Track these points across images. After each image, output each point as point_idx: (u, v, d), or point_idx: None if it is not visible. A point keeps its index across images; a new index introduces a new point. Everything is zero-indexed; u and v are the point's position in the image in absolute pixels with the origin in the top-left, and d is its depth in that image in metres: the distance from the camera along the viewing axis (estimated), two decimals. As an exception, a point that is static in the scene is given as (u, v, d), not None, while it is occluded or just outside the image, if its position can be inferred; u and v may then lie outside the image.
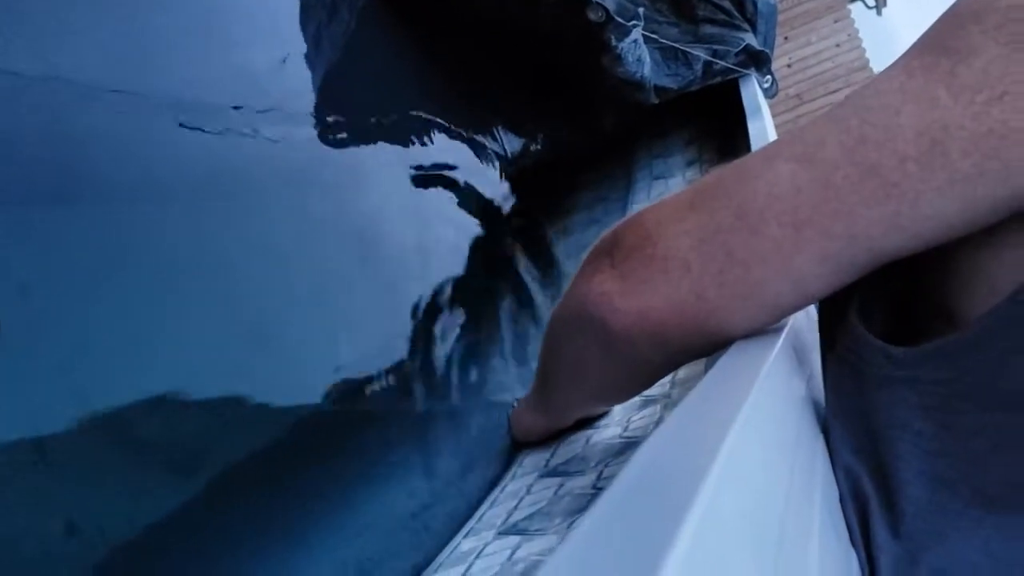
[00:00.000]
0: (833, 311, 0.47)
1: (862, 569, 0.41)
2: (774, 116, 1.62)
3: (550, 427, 0.73)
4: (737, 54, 1.55)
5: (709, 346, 0.47)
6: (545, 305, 1.01)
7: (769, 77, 1.71)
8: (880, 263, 0.40)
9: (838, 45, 4.94)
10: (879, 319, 0.44)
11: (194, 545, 0.54)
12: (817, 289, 0.42)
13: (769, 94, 1.71)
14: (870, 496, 0.41)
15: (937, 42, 0.38)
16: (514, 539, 0.53)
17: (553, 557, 0.17)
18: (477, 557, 0.53)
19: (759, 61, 1.60)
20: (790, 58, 4.89)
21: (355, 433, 0.69)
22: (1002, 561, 0.37)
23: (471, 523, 0.62)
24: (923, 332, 0.42)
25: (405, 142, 1.00)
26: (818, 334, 0.50)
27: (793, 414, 0.40)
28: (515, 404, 0.77)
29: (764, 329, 0.45)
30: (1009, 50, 0.36)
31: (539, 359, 0.66)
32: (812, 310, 0.62)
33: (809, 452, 0.40)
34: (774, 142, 0.45)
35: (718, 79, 1.54)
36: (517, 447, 0.75)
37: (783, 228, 0.40)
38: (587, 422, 0.73)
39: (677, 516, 0.18)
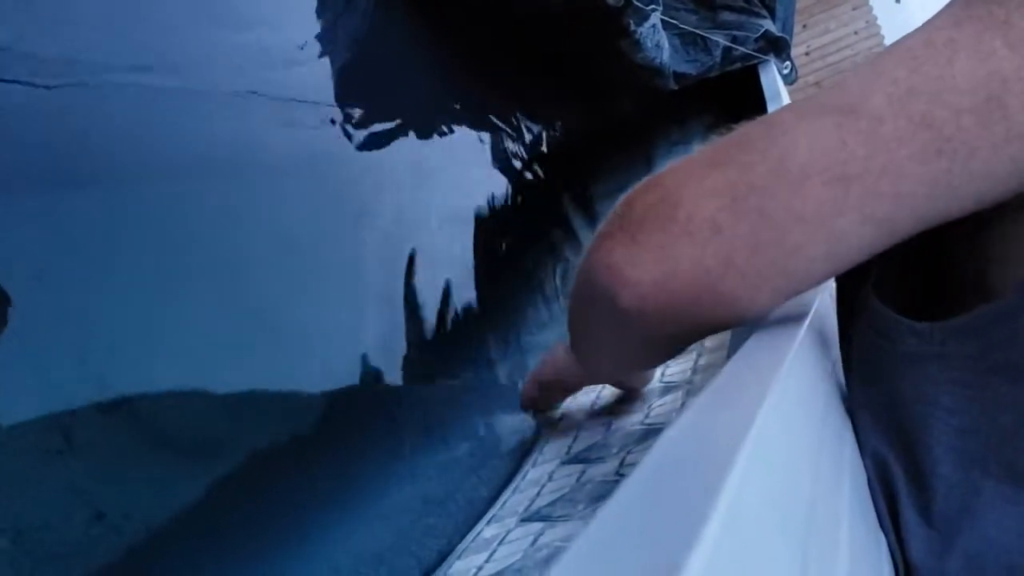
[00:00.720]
0: (847, 291, 0.45)
1: (892, 554, 0.40)
2: (794, 103, 1.60)
3: (584, 383, 0.73)
4: (756, 40, 1.54)
5: (727, 320, 0.43)
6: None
7: (788, 63, 1.69)
8: (918, 230, 0.38)
9: (856, 33, 4.89)
10: (894, 295, 0.42)
11: (215, 535, 0.54)
12: (851, 257, 0.39)
13: (789, 80, 1.69)
14: (898, 479, 0.40)
15: None
16: (537, 525, 0.53)
17: (579, 539, 0.17)
18: (500, 543, 0.53)
19: (778, 47, 1.59)
20: (808, 46, 4.85)
21: (374, 420, 0.69)
22: None
23: (493, 510, 0.62)
24: (943, 306, 0.41)
25: (422, 130, 1.00)
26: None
27: (819, 399, 0.39)
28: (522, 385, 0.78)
29: (782, 304, 0.42)
30: None
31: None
32: (835, 292, 0.61)
33: (836, 437, 0.40)
34: (808, 98, 0.41)
35: (737, 65, 1.53)
36: (527, 405, 0.76)
37: (827, 186, 0.37)
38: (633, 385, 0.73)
39: (706, 502, 0.18)
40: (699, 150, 0.43)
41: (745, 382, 0.31)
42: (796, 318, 0.43)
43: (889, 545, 0.41)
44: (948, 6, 0.38)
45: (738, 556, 0.18)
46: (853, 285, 0.44)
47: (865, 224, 0.37)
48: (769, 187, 0.38)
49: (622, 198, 0.45)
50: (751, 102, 1.47)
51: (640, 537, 0.17)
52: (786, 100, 1.42)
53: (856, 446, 0.43)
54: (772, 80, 1.49)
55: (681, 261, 0.40)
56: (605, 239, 0.43)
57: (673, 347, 0.52)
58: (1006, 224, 0.38)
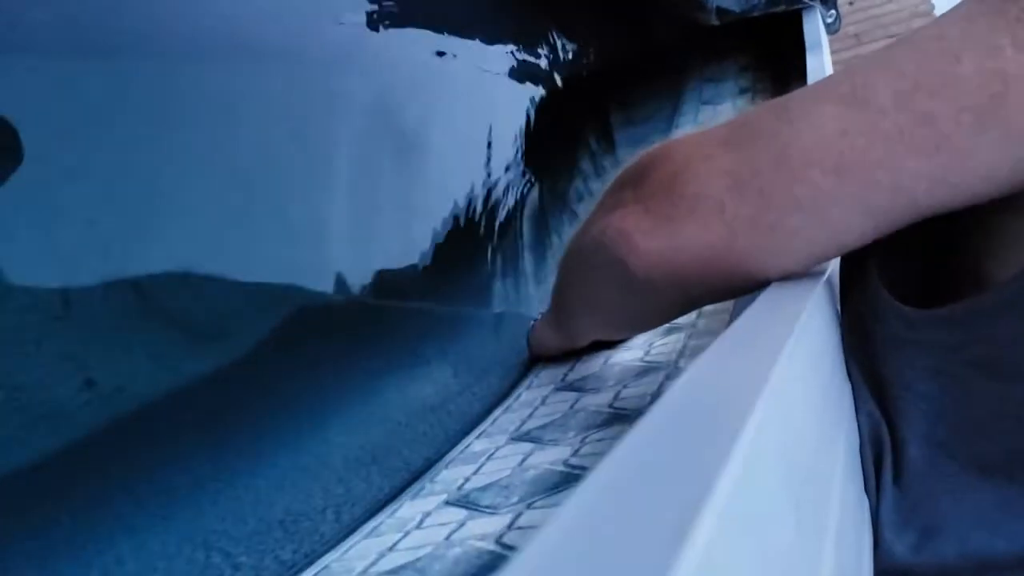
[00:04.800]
0: (852, 261, 0.46)
1: (872, 517, 0.41)
2: (832, 54, 1.57)
3: (564, 347, 0.72)
4: (805, -17, 1.50)
5: (734, 290, 0.46)
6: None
7: (834, 12, 1.66)
8: (920, 218, 0.39)
9: (904, -13, 4.75)
10: (899, 274, 0.43)
11: (209, 416, 0.54)
12: (852, 240, 0.41)
13: (832, 29, 1.66)
14: (885, 444, 0.41)
15: None
16: (527, 446, 0.54)
17: (597, 469, 0.17)
18: (488, 459, 0.54)
19: (826, -7, 1.54)
20: (854, -5, 4.72)
21: (380, 324, 0.70)
22: (991, 524, 0.37)
23: (484, 426, 0.62)
24: (946, 292, 0.42)
25: (455, 37, 0.98)
26: None
27: (829, 354, 0.39)
28: (537, 318, 0.78)
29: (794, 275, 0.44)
30: None
31: (555, 284, 0.65)
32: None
33: (837, 396, 0.40)
34: (820, 82, 0.42)
35: (782, 7, 1.50)
36: (534, 360, 0.76)
37: (825, 175, 0.38)
38: (605, 344, 0.73)
39: (722, 449, 0.18)
40: (710, 128, 0.44)
41: (763, 330, 0.31)
42: (814, 273, 0.44)
43: (871, 507, 0.41)
44: (959, 4, 0.38)
45: (748, 508, 0.18)
46: (858, 252, 0.45)
47: (863, 214, 0.39)
48: (772, 172, 0.39)
49: (635, 160, 0.47)
50: (790, 48, 1.44)
51: (662, 470, 0.17)
52: (826, 49, 1.39)
53: (853, 407, 0.44)
54: (815, 27, 1.46)
55: (688, 236, 0.42)
56: (617, 206, 0.46)
57: (677, 312, 0.54)
58: (1012, 218, 0.38)
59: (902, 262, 0.43)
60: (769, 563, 0.18)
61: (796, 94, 0.42)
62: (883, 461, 0.41)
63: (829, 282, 0.45)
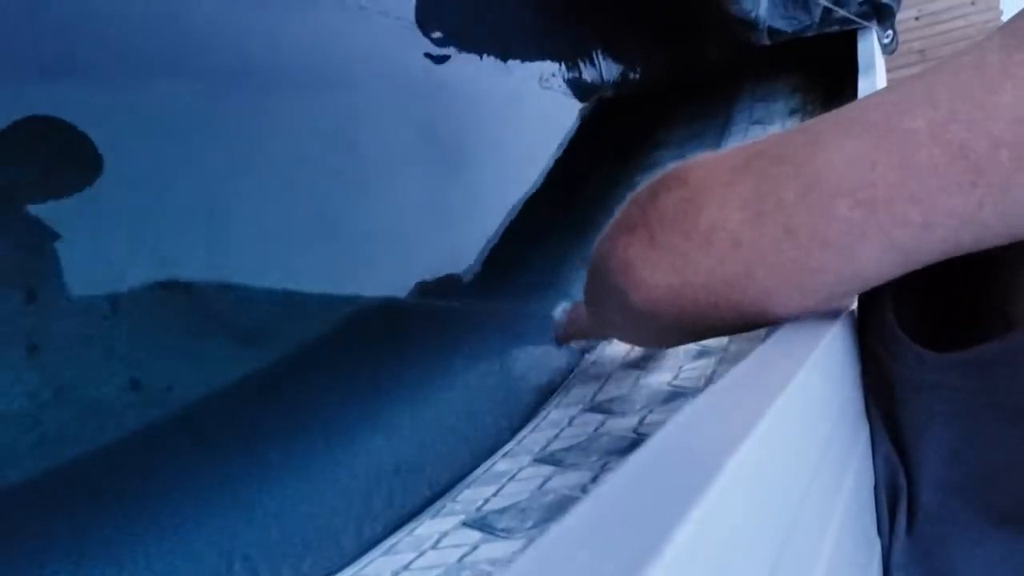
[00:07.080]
0: (868, 300, 0.45)
1: (884, 559, 0.41)
2: (894, 70, 1.54)
3: (596, 337, 0.74)
4: (861, 4, 1.47)
5: (747, 326, 0.42)
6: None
7: (890, 32, 1.62)
8: (947, 256, 0.37)
9: (973, 3, 4.63)
10: (914, 313, 0.41)
11: (246, 421, 0.56)
12: (875, 277, 0.38)
13: (888, 50, 1.62)
14: (901, 488, 0.41)
15: None
16: (548, 469, 0.55)
17: (570, 513, 0.18)
18: (510, 480, 0.55)
19: (882, 14, 1.52)
20: (919, 11, 4.61)
21: (415, 338, 0.71)
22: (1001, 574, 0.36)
23: (510, 445, 0.63)
24: (963, 332, 0.41)
25: (502, 55, 0.99)
26: None
27: (839, 396, 0.39)
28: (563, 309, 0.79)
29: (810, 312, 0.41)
30: None
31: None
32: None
33: (849, 436, 0.40)
34: (850, 108, 0.39)
35: (835, 28, 1.47)
36: (562, 341, 0.77)
37: (853, 209, 0.35)
38: None
39: (696, 489, 0.18)
40: (730, 150, 0.40)
41: (766, 373, 0.31)
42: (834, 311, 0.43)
43: (883, 549, 0.41)
44: (1001, 29, 0.36)
45: (714, 545, 0.18)
46: (871, 292, 0.44)
47: (890, 251, 0.36)
48: (796, 205, 0.37)
49: (646, 185, 0.43)
50: (843, 68, 1.42)
51: (630, 515, 0.18)
52: (881, 70, 1.36)
53: (869, 447, 0.43)
54: (869, 48, 1.43)
55: (699, 271, 0.39)
56: (624, 231, 0.42)
57: (688, 340, 0.51)
58: None
59: (914, 296, 0.42)
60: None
61: (823, 119, 0.39)
62: (898, 504, 0.41)
63: (851, 316, 0.44)
